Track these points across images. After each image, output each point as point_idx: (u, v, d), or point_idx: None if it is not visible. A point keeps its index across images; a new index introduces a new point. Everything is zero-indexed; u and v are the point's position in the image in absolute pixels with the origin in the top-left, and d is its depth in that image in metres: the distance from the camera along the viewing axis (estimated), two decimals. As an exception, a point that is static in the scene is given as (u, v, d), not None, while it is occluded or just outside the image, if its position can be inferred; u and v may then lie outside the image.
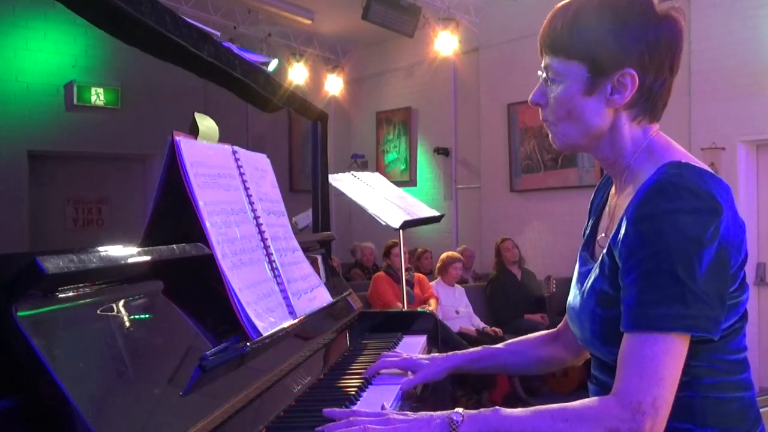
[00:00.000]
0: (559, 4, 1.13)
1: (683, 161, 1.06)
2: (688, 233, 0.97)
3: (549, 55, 1.13)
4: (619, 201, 1.14)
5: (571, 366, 1.45)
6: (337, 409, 1.11)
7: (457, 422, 1.02)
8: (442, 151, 8.18)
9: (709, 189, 1.00)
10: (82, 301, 0.85)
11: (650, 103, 1.11)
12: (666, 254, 0.98)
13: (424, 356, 1.48)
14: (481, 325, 5.66)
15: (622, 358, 1.02)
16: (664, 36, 1.08)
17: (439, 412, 1.05)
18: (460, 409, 1.05)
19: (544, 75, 1.15)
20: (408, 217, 2.81)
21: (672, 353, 0.98)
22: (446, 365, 1.43)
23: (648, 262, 0.99)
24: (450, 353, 1.48)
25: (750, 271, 5.32)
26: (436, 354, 1.50)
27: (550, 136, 1.19)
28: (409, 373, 1.45)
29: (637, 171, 1.11)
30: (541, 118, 1.19)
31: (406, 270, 4.39)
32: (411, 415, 1.05)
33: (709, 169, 1.07)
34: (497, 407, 1.05)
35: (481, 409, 1.05)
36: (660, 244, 0.98)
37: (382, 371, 1.47)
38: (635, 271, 1.01)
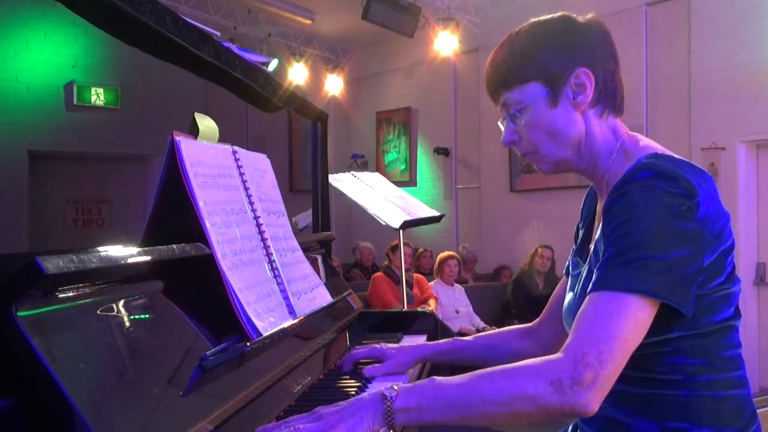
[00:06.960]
0: (492, 53, 1.20)
1: (659, 152, 1.08)
2: (659, 203, 0.99)
3: (503, 93, 1.17)
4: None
5: None
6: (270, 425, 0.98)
7: (392, 398, 0.96)
8: (442, 151, 8.18)
9: (684, 174, 1.02)
10: (82, 301, 0.85)
11: (609, 96, 1.15)
12: (636, 222, 0.99)
13: (394, 345, 1.47)
14: (482, 324, 5.65)
15: (576, 317, 1.00)
16: (596, 34, 1.15)
17: (370, 393, 1.00)
18: (395, 385, 0.99)
19: (507, 113, 1.18)
20: (408, 217, 2.81)
21: (627, 313, 0.96)
22: (414, 356, 1.44)
23: (618, 230, 1.00)
24: (420, 344, 1.48)
25: (750, 271, 5.31)
26: (405, 344, 1.49)
27: (535, 166, 1.21)
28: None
29: (616, 174, 1.12)
30: (520, 154, 1.21)
31: (406, 270, 4.39)
32: (342, 404, 0.97)
33: (690, 162, 1.08)
34: (433, 377, 1.00)
35: (417, 381, 1.01)
36: (631, 213, 1.00)
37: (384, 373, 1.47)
38: (607, 241, 1.02)
